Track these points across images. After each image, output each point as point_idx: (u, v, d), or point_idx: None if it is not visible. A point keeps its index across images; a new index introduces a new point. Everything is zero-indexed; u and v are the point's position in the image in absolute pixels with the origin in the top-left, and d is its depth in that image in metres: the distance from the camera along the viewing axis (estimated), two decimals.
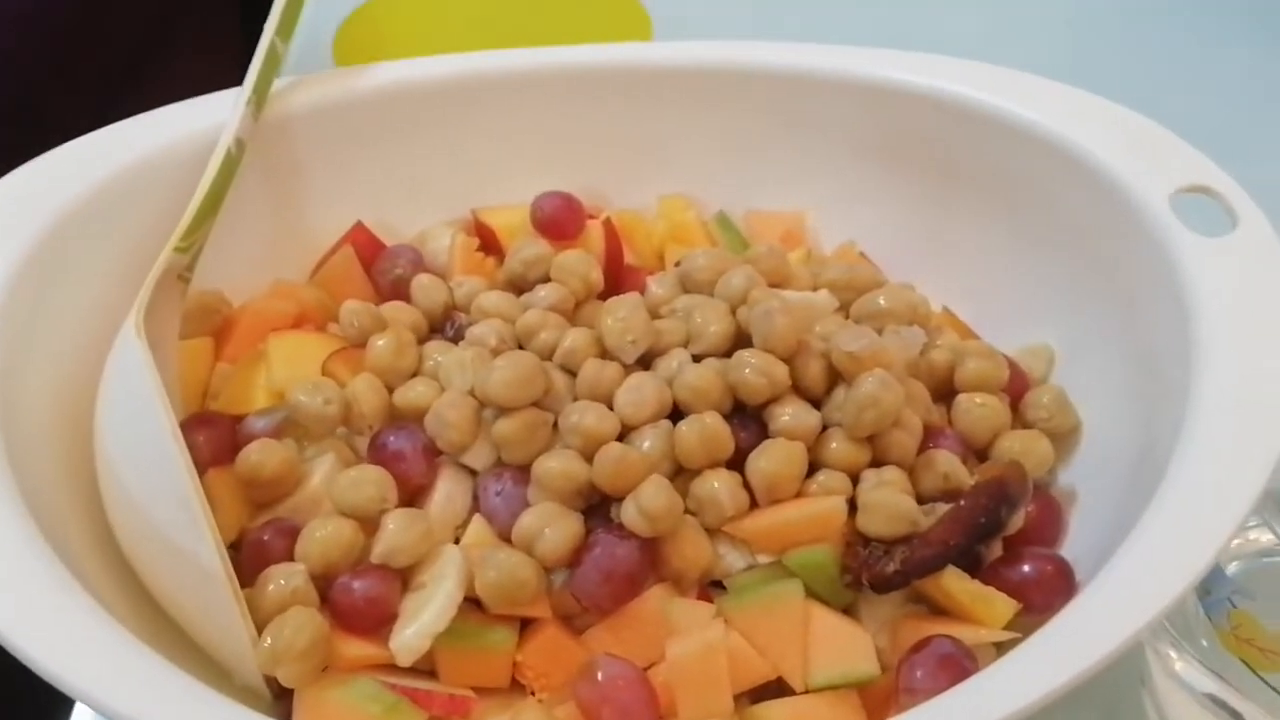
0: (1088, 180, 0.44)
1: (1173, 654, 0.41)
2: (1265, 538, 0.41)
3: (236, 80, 0.47)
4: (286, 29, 0.48)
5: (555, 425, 0.40)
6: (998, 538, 0.39)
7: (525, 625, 0.38)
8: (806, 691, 0.37)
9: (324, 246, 0.51)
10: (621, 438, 0.40)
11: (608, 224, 0.50)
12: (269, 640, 0.35)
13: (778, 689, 0.37)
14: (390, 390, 0.43)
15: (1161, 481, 0.35)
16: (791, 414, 0.40)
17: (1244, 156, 0.44)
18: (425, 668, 0.38)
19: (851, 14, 0.75)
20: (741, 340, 0.42)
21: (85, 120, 0.48)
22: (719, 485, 0.39)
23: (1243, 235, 0.40)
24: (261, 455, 0.40)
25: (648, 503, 0.37)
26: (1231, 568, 0.42)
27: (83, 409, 0.40)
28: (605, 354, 0.42)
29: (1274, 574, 0.39)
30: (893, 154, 0.51)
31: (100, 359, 0.41)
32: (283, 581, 0.37)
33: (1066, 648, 0.32)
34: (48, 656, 0.32)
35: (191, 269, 0.45)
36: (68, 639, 0.32)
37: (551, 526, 0.38)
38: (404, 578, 0.38)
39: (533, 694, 0.38)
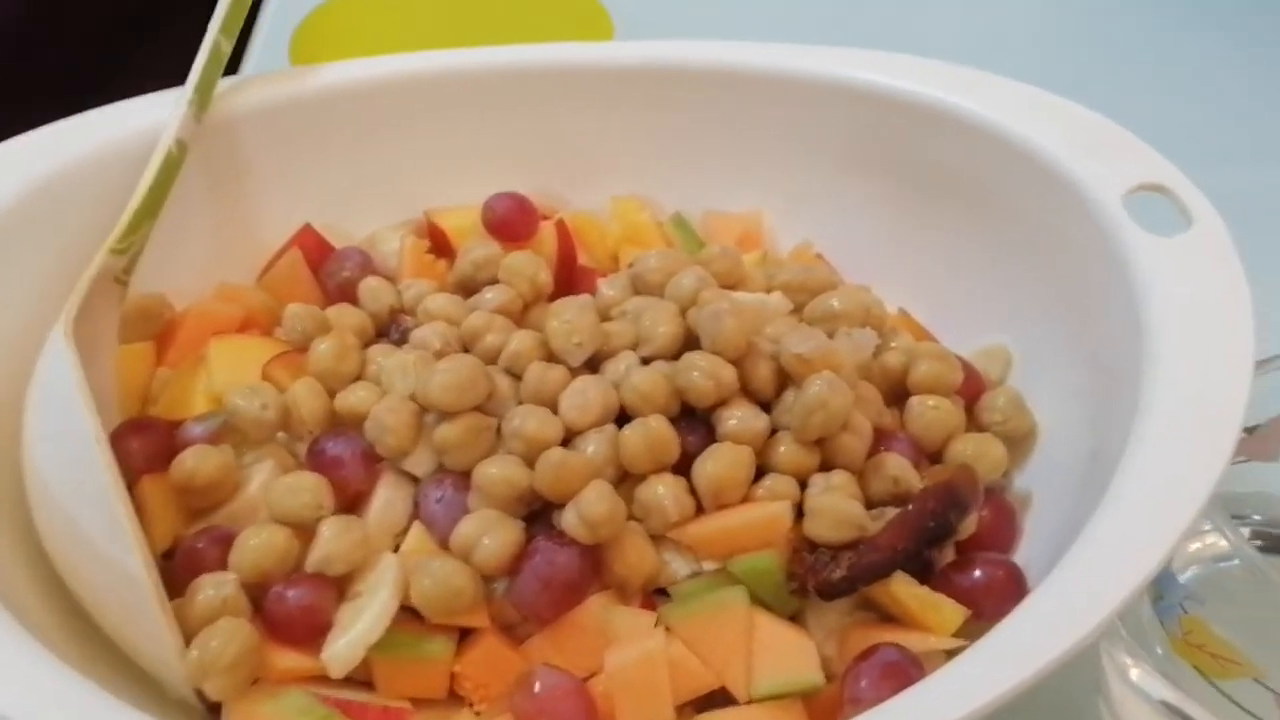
0: (1042, 178, 0.43)
1: (1128, 661, 0.41)
2: (1221, 543, 0.41)
3: None
4: (231, 27, 0.47)
5: (500, 430, 0.40)
6: (948, 543, 0.39)
7: (465, 635, 0.38)
8: (750, 702, 0.36)
9: (272, 249, 0.50)
10: (566, 442, 0.39)
11: (560, 225, 0.49)
12: (196, 652, 0.35)
13: (723, 699, 0.36)
14: (332, 395, 0.42)
15: (1111, 484, 0.35)
16: (739, 417, 0.39)
17: (1201, 160, 0.43)
18: (364, 678, 0.37)
19: (814, 15, 0.75)
20: (691, 343, 0.41)
21: (49, 121, 0.47)
22: (664, 490, 0.38)
23: (1196, 234, 0.40)
24: (196, 461, 0.39)
25: (588, 509, 0.36)
26: (1189, 573, 0.41)
27: (12, 414, 0.39)
28: (552, 357, 0.41)
29: (1227, 579, 0.39)
30: (851, 153, 0.50)
31: (33, 363, 0.40)
32: (212, 591, 0.36)
33: (1013, 653, 0.32)
34: None
35: (130, 271, 0.44)
36: None
37: (490, 534, 0.37)
38: (340, 587, 0.38)
39: (471, 706, 0.37)
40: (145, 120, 0.46)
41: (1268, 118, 0.68)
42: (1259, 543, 0.43)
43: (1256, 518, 0.43)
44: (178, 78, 0.46)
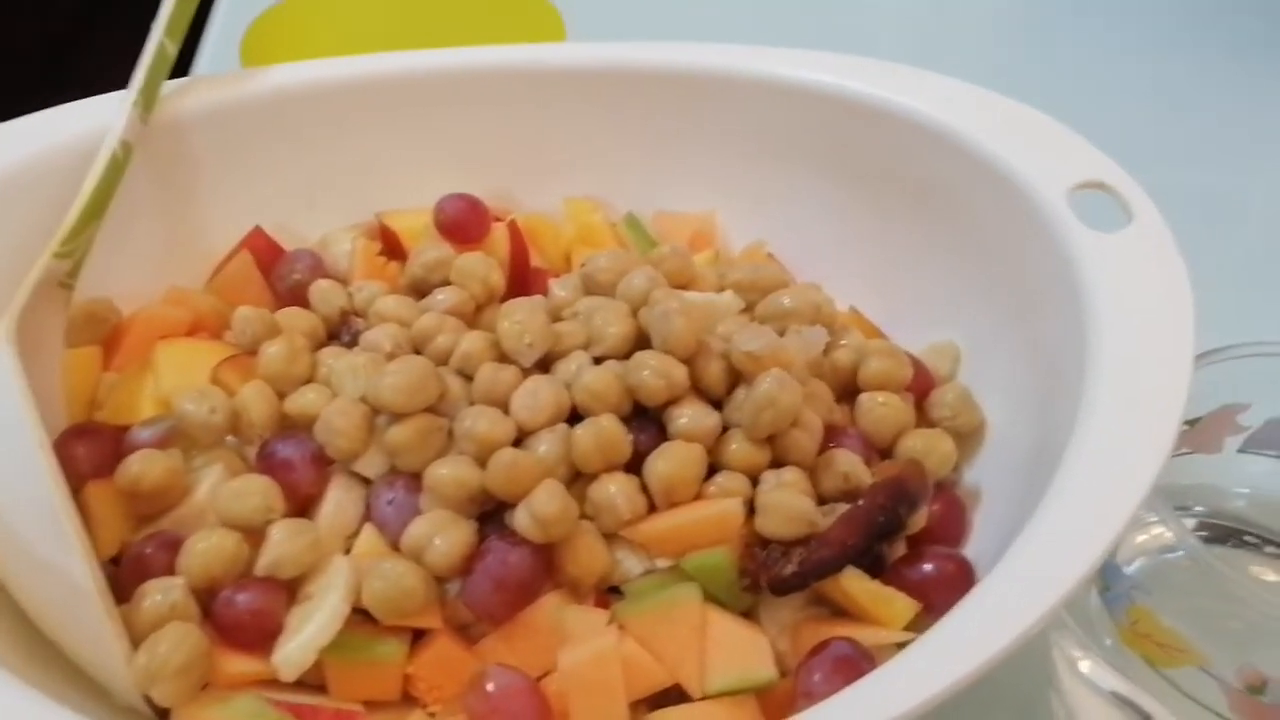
0: (988, 175, 0.44)
1: (1078, 653, 0.41)
2: (1167, 534, 0.41)
3: None
4: (176, 28, 0.47)
5: (451, 431, 0.39)
6: (898, 537, 0.39)
7: (418, 636, 0.37)
8: (704, 698, 0.36)
9: (222, 252, 0.50)
10: (518, 443, 0.39)
11: (513, 226, 0.49)
12: (143, 658, 0.34)
13: (676, 696, 0.37)
14: (282, 398, 0.42)
15: (1055, 477, 0.35)
16: (690, 416, 0.39)
17: (1142, 157, 0.44)
18: (316, 682, 0.37)
19: (764, 16, 0.75)
20: (643, 342, 0.41)
21: None
22: (615, 489, 0.38)
23: (1137, 230, 0.40)
24: (142, 466, 0.39)
25: (540, 508, 0.36)
26: (1135, 564, 0.42)
27: None
28: (504, 358, 0.41)
29: (1172, 570, 0.39)
30: (800, 153, 0.50)
31: None
32: (159, 596, 0.36)
33: (960, 644, 0.32)
34: None
35: (75, 275, 0.43)
36: None
37: (442, 535, 0.37)
38: (291, 590, 0.37)
39: (424, 707, 0.37)
40: (89, 123, 0.45)
41: (1206, 116, 0.69)
42: (1203, 534, 0.43)
43: (1199, 509, 0.44)
44: (125, 84, 0.46)
